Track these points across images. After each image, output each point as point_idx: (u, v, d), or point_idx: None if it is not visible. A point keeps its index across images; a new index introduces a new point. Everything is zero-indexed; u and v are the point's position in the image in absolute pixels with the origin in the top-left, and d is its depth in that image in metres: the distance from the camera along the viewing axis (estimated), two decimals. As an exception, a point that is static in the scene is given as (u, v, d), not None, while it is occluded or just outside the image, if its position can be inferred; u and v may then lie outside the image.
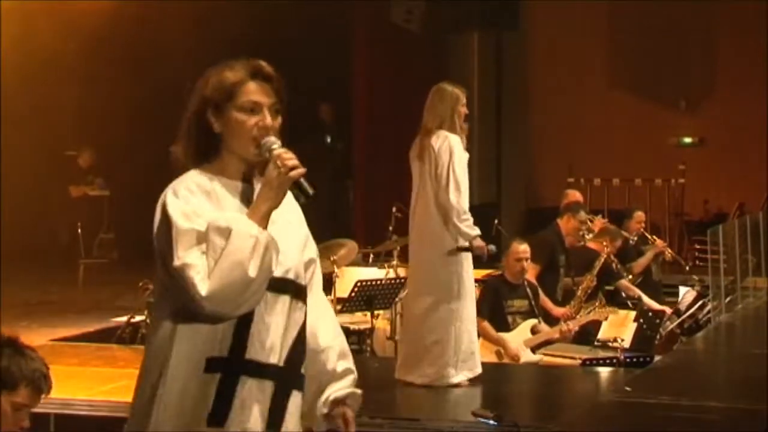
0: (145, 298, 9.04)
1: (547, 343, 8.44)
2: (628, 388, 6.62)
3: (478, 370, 7.00)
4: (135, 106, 13.61)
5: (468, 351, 6.93)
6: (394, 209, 10.20)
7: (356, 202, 15.18)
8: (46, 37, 12.63)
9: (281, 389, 3.04)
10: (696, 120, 15.53)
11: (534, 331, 8.36)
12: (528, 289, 8.56)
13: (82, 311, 10.47)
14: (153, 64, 13.28)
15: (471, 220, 6.88)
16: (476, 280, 9.96)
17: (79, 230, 14.22)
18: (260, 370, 3.01)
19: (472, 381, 6.95)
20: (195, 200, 2.98)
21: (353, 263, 9.87)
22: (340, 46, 14.48)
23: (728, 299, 9.23)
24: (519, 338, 8.23)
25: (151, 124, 14.19)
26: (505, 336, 8.25)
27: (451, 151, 6.85)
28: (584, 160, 14.93)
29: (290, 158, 2.99)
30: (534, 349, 8.26)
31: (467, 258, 6.94)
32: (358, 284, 8.69)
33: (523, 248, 8.47)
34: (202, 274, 2.88)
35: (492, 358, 8.11)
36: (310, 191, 3.03)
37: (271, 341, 3.02)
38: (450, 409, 6.75)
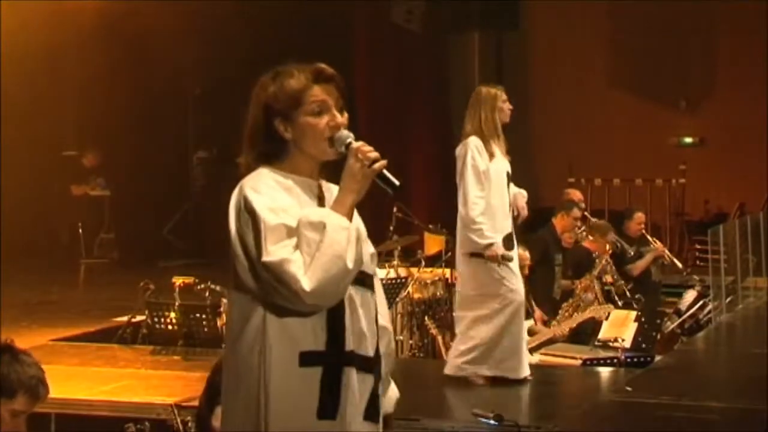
0: (146, 297, 9.04)
1: (547, 343, 8.44)
2: (628, 388, 6.62)
3: (523, 373, 6.93)
4: (136, 107, 13.62)
5: (509, 350, 6.87)
6: (394, 209, 10.21)
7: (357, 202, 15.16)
8: (46, 36, 12.62)
9: (377, 379, 3.14)
10: (696, 120, 15.53)
11: (530, 332, 8.36)
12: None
13: (83, 311, 10.47)
14: (154, 64, 13.28)
15: (483, 227, 6.81)
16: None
17: (80, 230, 14.25)
18: (362, 362, 3.09)
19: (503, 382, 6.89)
20: (278, 196, 3.03)
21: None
22: (341, 46, 14.48)
23: (729, 299, 9.23)
24: None
25: (152, 124, 14.24)
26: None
27: (464, 158, 6.85)
28: (585, 160, 14.92)
29: (370, 150, 3.06)
30: (532, 350, 8.26)
31: (506, 264, 6.89)
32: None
33: (525, 255, 8.47)
34: (303, 269, 2.92)
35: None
36: (397, 182, 3.09)
37: (363, 332, 3.09)
38: (450, 409, 6.75)
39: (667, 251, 10.28)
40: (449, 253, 9.56)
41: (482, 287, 6.90)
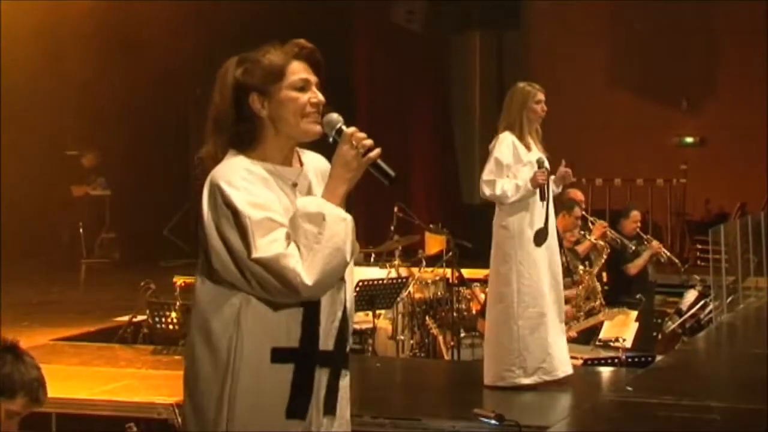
0: (147, 297, 9.05)
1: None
2: (629, 388, 6.61)
3: (558, 373, 6.87)
4: (136, 107, 13.62)
5: (542, 353, 6.82)
6: (395, 209, 10.20)
7: (358, 202, 15.21)
8: (47, 36, 12.63)
9: (334, 373, 3.03)
10: (697, 120, 15.53)
11: None
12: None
13: (84, 311, 10.47)
14: (154, 64, 13.27)
15: (495, 183, 6.81)
16: (478, 280, 10.03)
17: (81, 230, 14.25)
18: (332, 360, 3.01)
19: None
20: (255, 188, 2.92)
21: (355, 263, 9.85)
22: (341, 46, 14.48)
23: (730, 299, 9.22)
24: None
25: (152, 124, 14.24)
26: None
27: (492, 152, 6.87)
28: (585, 159, 14.89)
29: (364, 137, 2.96)
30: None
31: (524, 260, 6.86)
32: (360, 284, 8.69)
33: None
34: (301, 263, 2.83)
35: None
36: (392, 173, 2.97)
37: (332, 327, 3.01)
38: (451, 408, 6.75)
39: (663, 249, 10.26)
40: (450, 253, 9.56)
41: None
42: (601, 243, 9.46)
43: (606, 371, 7.75)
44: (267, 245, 2.85)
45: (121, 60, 13.24)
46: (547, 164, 7.02)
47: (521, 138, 6.89)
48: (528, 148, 6.91)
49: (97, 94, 13.54)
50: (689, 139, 15.63)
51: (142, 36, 12.93)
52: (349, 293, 3.15)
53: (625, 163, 15.09)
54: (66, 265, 13.66)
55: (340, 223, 2.89)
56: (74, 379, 7.18)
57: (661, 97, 15.46)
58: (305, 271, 2.84)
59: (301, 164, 3.11)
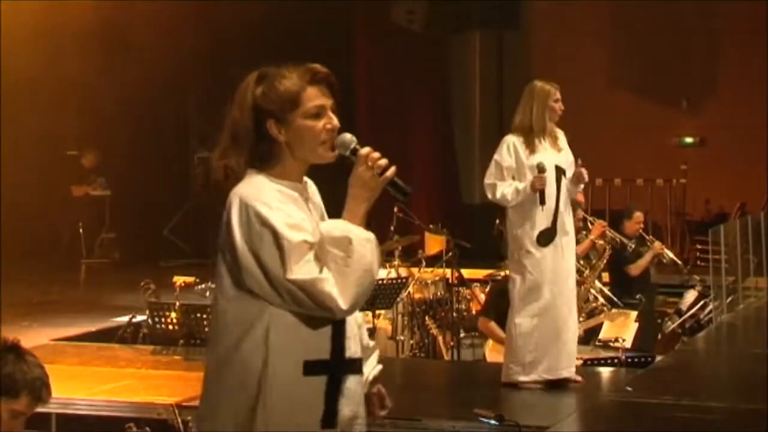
0: (147, 297, 9.05)
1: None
2: (629, 388, 6.62)
3: (563, 373, 6.87)
4: (136, 107, 13.62)
5: (541, 351, 6.82)
6: (395, 209, 10.21)
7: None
8: (47, 36, 12.62)
9: (361, 378, 3.16)
10: (697, 120, 15.52)
11: None
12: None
13: (84, 311, 10.47)
14: (154, 64, 13.27)
15: (496, 187, 6.84)
16: (477, 281, 10.03)
17: (81, 230, 14.25)
18: (358, 366, 3.13)
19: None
20: (290, 210, 3.00)
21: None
22: (342, 46, 14.49)
23: (729, 299, 9.22)
24: None
25: (152, 124, 14.24)
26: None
27: (497, 151, 6.91)
28: (585, 159, 14.81)
29: (379, 157, 3.02)
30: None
31: (526, 259, 6.87)
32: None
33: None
34: (336, 287, 2.92)
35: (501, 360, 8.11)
36: (408, 189, 3.07)
37: (351, 336, 3.12)
38: (451, 408, 6.75)
39: (666, 249, 10.26)
40: (450, 253, 9.56)
41: None
42: (601, 243, 9.46)
43: (606, 371, 7.75)
44: (302, 267, 2.92)
45: (121, 60, 13.24)
46: (561, 162, 6.99)
47: (529, 138, 6.88)
48: (533, 150, 6.88)
49: (97, 94, 13.54)
50: (689, 139, 15.62)
51: (142, 36, 12.92)
52: None
53: (624, 163, 15.09)
54: (66, 265, 13.66)
55: (366, 245, 2.96)
56: (74, 379, 7.19)
57: (661, 97, 15.45)
58: (340, 295, 2.92)
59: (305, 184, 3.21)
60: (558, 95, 6.97)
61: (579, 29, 15.59)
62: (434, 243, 10.43)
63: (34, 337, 8.44)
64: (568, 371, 6.89)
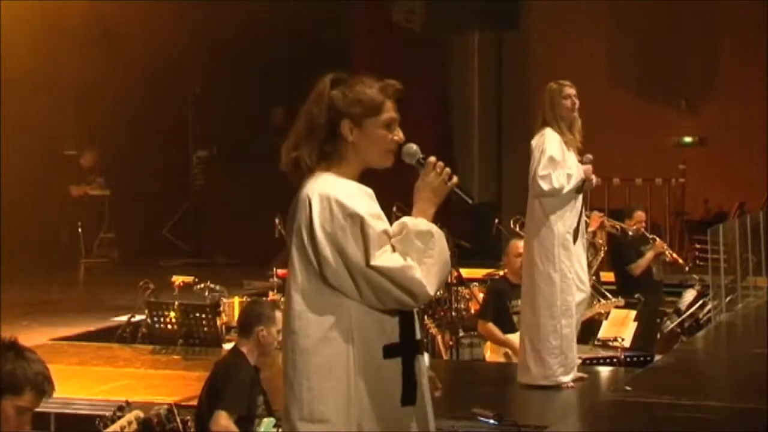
0: (146, 297, 9.05)
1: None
2: (628, 388, 6.62)
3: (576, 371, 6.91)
4: (135, 106, 13.62)
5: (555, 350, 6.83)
6: (394, 208, 10.19)
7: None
8: (46, 36, 12.62)
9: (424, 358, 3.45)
10: (696, 119, 15.51)
11: None
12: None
13: (83, 310, 10.47)
14: (153, 64, 13.27)
15: (552, 176, 6.84)
16: (477, 280, 10.03)
17: (80, 230, 14.25)
18: (421, 346, 3.42)
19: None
20: (371, 203, 3.31)
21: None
22: (341, 46, 14.48)
23: (728, 298, 9.23)
24: None
25: (152, 124, 14.24)
26: (511, 337, 8.22)
27: (542, 148, 6.88)
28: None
29: (445, 166, 3.37)
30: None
31: (571, 255, 6.86)
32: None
33: (522, 244, 8.42)
34: (422, 273, 3.21)
35: (500, 360, 8.11)
36: (471, 198, 3.47)
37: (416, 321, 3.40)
38: (451, 409, 6.74)
39: (667, 248, 10.26)
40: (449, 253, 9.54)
41: None
42: (600, 241, 9.46)
43: (605, 371, 7.76)
44: (385, 255, 3.20)
45: (121, 60, 13.23)
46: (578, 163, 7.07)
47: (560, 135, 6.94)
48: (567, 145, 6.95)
49: (96, 94, 13.53)
50: (688, 139, 15.61)
51: (141, 36, 12.92)
52: None
53: (624, 163, 15.07)
54: (65, 264, 13.66)
55: (444, 240, 3.30)
56: (73, 378, 7.20)
57: (660, 97, 15.44)
58: (428, 284, 3.22)
59: None
60: (568, 91, 7.01)
61: (578, 29, 15.58)
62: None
63: (33, 337, 8.44)
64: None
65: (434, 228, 3.29)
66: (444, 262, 3.27)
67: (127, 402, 5.73)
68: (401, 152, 3.41)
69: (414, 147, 3.41)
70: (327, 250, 3.21)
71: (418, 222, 3.30)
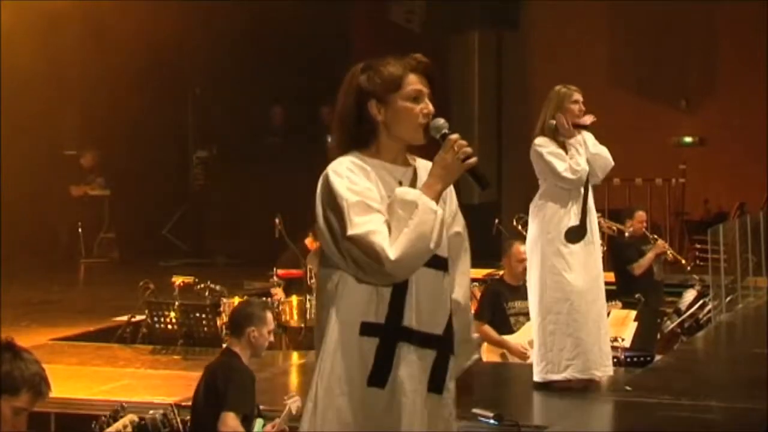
0: (146, 297, 9.04)
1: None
2: (628, 388, 6.62)
3: (596, 372, 6.71)
4: (135, 106, 13.62)
5: (568, 348, 6.73)
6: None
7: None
8: (46, 36, 12.62)
9: (442, 355, 3.38)
10: (696, 119, 15.52)
11: None
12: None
13: (83, 310, 10.47)
14: (153, 63, 13.28)
15: (579, 165, 6.95)
16: (477, 280, 10.01)
17: (80, 230, 14.25)
18: (421, 339, 3.32)
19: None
20: (356, 177, 3.27)
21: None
22: (341, 46, 14.48)
23: (729, 298, 9.23)
24: (523, 339, 8.16)
25: (152, 124, 14.24)
26: (506, 338, 8.23)
27: (541, 155, 6.91)
28: (584, 159, 14.89)
29: (465, 145, 3.30)
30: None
31: (550, 255, 6.86)
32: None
33: (524, 249, 8.41)
34: (388, 240, 3.18)
35: (498, 359, 8.10)
36: (487, 180, 3.33)
37: (428, 312, 3.34)
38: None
39: (668, 248, 10.26)
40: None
41: None
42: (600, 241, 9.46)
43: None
44: (361, 223, 3.19)
45: (121, 60, 13.23)
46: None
47: (554, 140, 6.93)
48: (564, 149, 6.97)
49: (96, 94, 13.53)
50: (688, 139, 15.61)
51: (141, 36, 12.92)
52: (459, 287, 3.52)
53: (624, 163, 14.94)
54: (65, 264, 13.66)
55: (431, 214, 3.22)
56: (73, 378, 7.19)
57: (660, 97, 15.44)
58: (391, 248, 3.16)
59: (414, 169, 3.44)
60: (576, 97, 7.01)
61: (578, 29, 15.59)
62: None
63: (33, 337, 8.44)
64: (603, 370, 6.78)
65: (423, 199, 3.22)
66: (419, 234, 3.18)
67: (122, 405, 5.74)
68: (429, 126, 3.35)
69: (441, 121, 3.36)
70: (321, 221, 3.28)
71: (406, 192, 3.27)
